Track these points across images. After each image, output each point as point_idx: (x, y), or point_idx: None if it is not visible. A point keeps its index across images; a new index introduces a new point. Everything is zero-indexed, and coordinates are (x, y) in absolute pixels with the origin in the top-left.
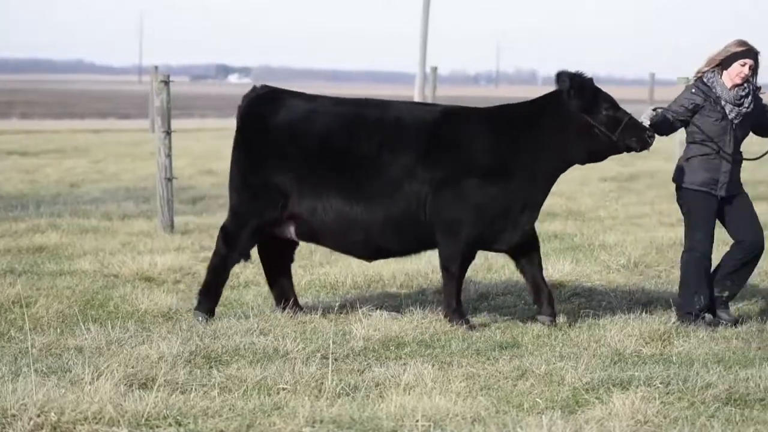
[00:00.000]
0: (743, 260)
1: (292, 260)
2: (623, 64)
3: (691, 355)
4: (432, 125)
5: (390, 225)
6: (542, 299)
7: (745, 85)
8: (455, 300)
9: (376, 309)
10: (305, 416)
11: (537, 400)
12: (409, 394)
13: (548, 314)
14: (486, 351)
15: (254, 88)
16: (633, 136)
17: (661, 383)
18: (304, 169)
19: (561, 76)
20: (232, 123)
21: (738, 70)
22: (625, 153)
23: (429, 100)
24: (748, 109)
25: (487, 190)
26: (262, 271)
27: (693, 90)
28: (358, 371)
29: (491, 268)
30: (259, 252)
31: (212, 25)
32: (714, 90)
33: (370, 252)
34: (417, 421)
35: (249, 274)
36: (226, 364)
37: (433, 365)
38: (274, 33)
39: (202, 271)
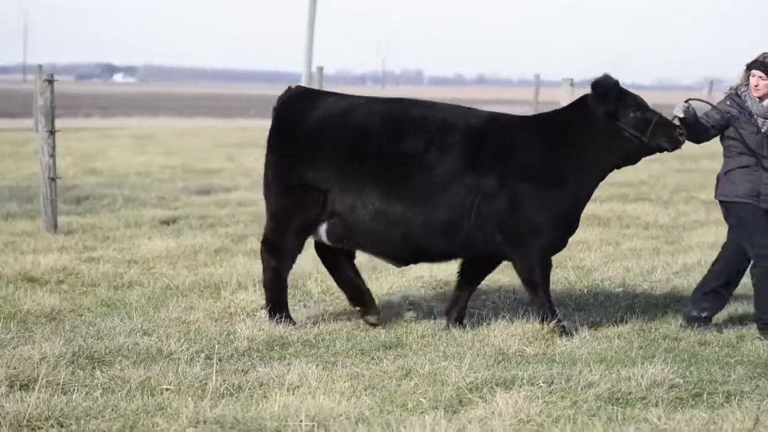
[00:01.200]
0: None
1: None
2: (510, 64)
3: (574, 355)
4: (477, 130)
5: (431, 228)
6: (452, 313)
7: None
8: (549, 309)
9: (261, 309)
10: (188, 417)
11: (421, 399)
12: (293, 394)
13: (455, 327)
14: (370, 351)
15: (289, 89)
16: (663, 136)
17: (544, 382)
18: (341, 168)
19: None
20: (117, 122)
21: (753, 83)
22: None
23: None
24: None
25: (551, 199)
26: (146, 270)
27: (728, 102)
28: (242, 371)
29: (375, 268)
30: (321, 259)
31: (98, 24)
32: (746, 104)
33: (407, 255)
34: (301, 421)
35: (133, 274)
36: (110, 364)
37: (318, 365)
38: (160, 32)
39: (85, 271)
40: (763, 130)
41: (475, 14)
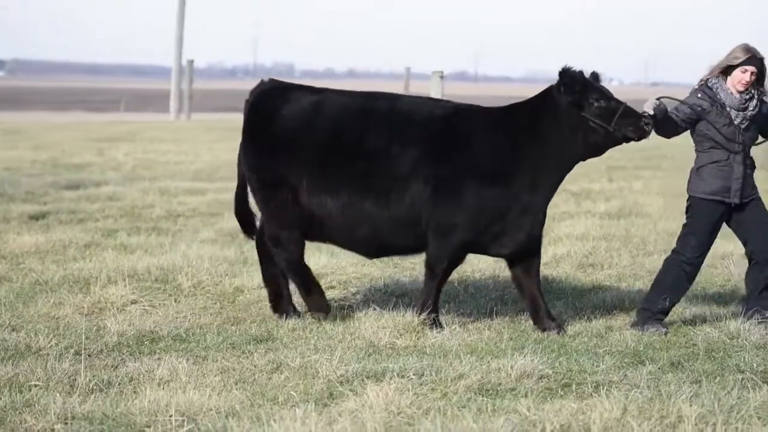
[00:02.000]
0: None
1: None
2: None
3: (445, 347)
4: (438, 122)
5: (395, 222)
6: (540, 315)
7: (750, 89)
8: (432, 300)
9: (131, 304)
10: (57, 413)
11: (292, 393)
12: (163, 389)
13: (552, 327)
14: (241, 345)
15: (262, 82)
16: (630, 126)
17: (414, 374)
18: (313, 161)
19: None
20: None
21: (739, 77)
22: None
23: (186, 94)
24: (754, 112)
25: (484, 193)
26: (15, 266)
27: (699, 95)
28: (111, 367)
29: (246, 261)
30: (258, 251)
31: None
32: (718, 96)
33: (376, 249)
34: (170, 416)
35: (1, 269)
36: None
37: (188, 360)
38: (28, 26)
39: None
40: (736, 123)
41: (345, 9)
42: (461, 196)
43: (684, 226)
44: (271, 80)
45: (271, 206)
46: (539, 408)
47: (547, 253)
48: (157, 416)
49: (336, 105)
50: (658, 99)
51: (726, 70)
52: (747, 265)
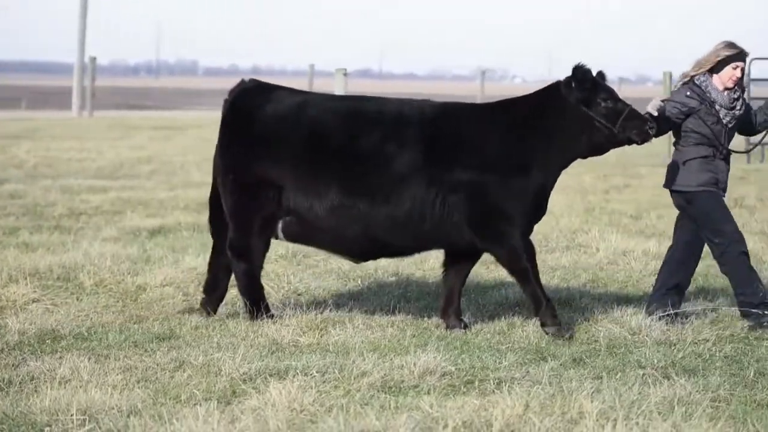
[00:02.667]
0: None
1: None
2: (285, 55)
3: (348, 344)
4: (433, 121)
5: (393, 222)
6: (449, 312)
7: (736, 87)
8: (542, 297)
9: (33, 302)
10: None
11: (194, 391)
12: (65, 387)
13: (458, 325)
14: (143, 343)
15: (242, 82)
16: (634, 128)
17: (317, 372)
18: (297, 163)
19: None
20: None
21: (730, 74)
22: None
23: (88, 91)
24: (741, 112)
25: (515, 187)
26: None
27: (688, 93)
28: (12, 366)
29: (149, 260)
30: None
31: None
32: (709, 94)
33: (366, 251)
34: (72, 415)
35: None
36: None
37: (90, 358)
38: None
39: None
40: (724, 122)
41: (248, 4)
42: (499, 195)
43: (706, 223)
44: (252, 80)
45: (245, 210)
46: (442, 405)
47: None
48: (58, 415)
49: (323, 106)
50: (662, 101)
51: (713, 68)
52: (648, 261)
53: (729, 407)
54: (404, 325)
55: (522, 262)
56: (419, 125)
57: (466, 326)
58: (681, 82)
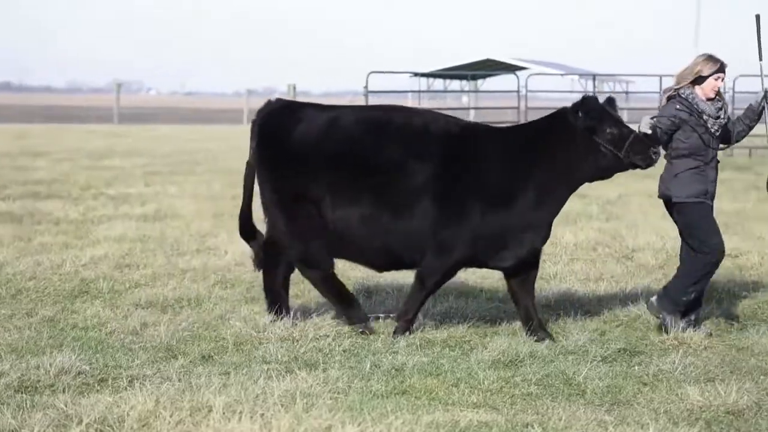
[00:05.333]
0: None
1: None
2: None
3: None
4: (449, 139)
5: (410, 237)
6: (533, 326)
7: (718, 97)
8: (414, 312)
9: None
10: None
11: None
12: None
13: (543, 338)
14: None
15: (269, 102)
16: (639, 153)
17: None
18: (329, 178)
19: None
20: None
21: (713, 85)
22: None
23: None
24: (724, 120)
25: (488, 210)
26: None
27: (677, 106)
28: None
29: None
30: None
31: None
32: (696, 105)
33: (389, 263)
34: None
35: None
36: None
37: None
38: None
39: None
40: (712, 130)
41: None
42: (465, 214)
43: (692, 233)
44: (279, 100)
45: (297, 223)
46: (76, 402)
47: (86, 255)
48: None
49: (351, 120)
50: (652, 118)
51: (695, 80)
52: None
53: (347, 398)
54: (41, 327)
55: (430, 280)
56: (437, 142)
57: (551, 337)
58: (666, 97)
